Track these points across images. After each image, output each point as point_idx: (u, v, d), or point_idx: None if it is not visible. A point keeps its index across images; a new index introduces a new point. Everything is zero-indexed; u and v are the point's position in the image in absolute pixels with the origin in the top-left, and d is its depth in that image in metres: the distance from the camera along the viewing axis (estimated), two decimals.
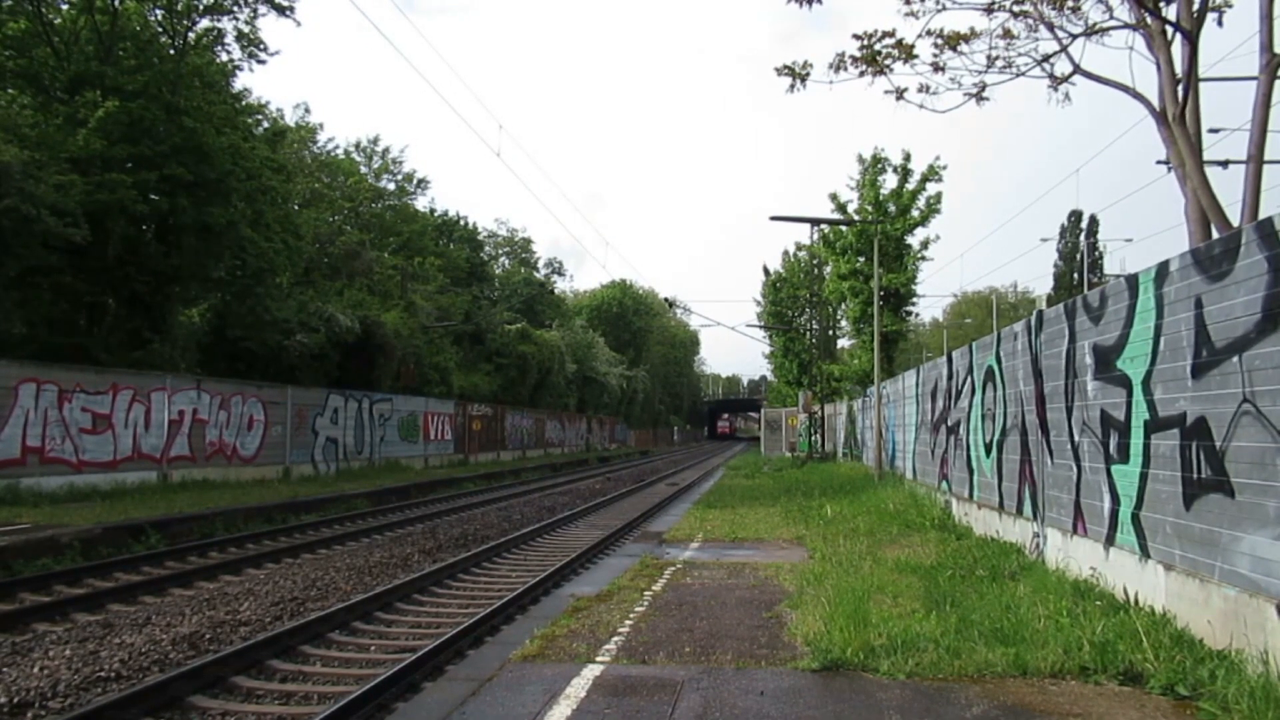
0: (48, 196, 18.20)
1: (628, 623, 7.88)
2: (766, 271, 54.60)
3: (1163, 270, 7.10)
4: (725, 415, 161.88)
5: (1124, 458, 7.75)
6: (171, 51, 23.64)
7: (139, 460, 20.84)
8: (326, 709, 6.59)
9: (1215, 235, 11.54)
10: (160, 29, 23.92)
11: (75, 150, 20.01)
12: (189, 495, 19.86)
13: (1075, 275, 71.31)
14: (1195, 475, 6.50)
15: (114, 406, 20.13)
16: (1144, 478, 7.36)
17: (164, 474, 21.54)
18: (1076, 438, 8.96)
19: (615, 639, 7.28)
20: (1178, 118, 12.54)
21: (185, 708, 7.07)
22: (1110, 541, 8.08)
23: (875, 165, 30.32)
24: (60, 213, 18.40)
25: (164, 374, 22.09)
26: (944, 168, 29.53)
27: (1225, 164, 21.58)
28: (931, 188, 29.69)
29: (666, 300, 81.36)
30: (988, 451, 12.62)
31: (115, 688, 7.42)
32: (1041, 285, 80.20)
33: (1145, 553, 7.34)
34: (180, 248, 22.34)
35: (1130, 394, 7.62)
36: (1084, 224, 75.00)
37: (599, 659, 6.67)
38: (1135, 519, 7.52)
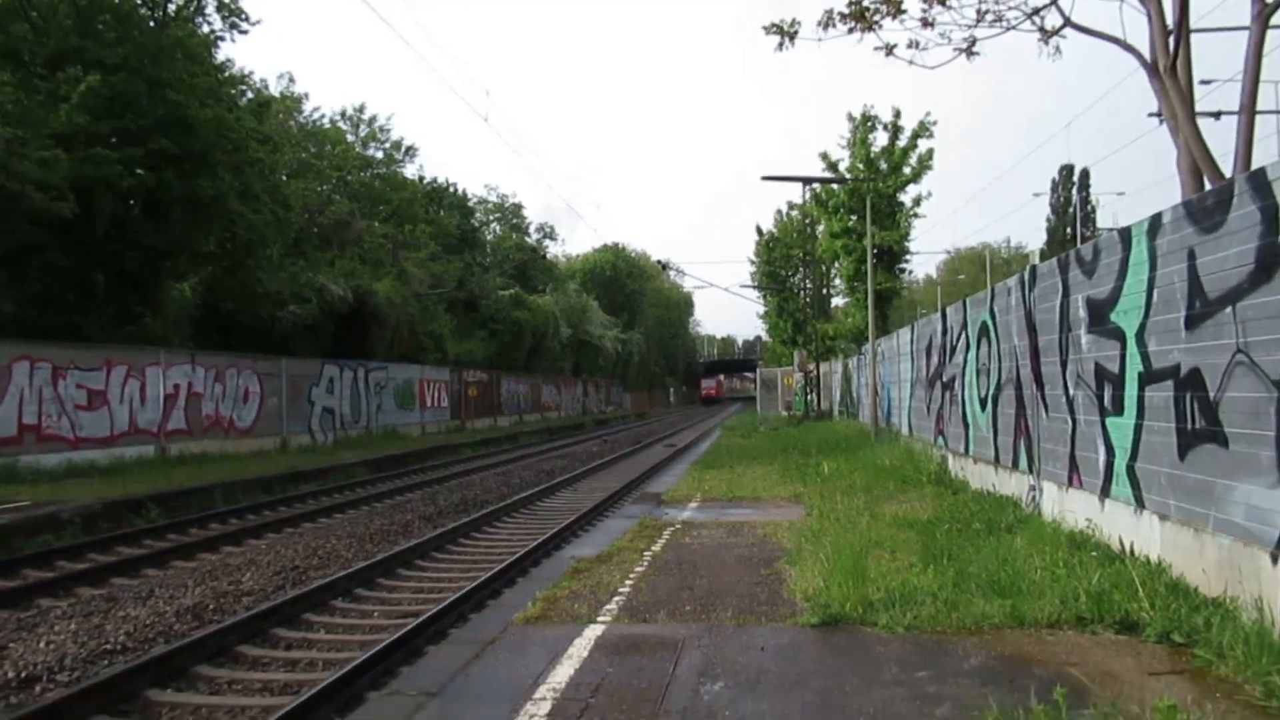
0: (32, 173, 18.02)
1: (628, 583, 7.95)
2: (759, 232, 54.31)
3: (1155, 223, 7.09)
4: (715, 376, 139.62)
5: (1118, 410, 7.79)
6: (151, 24, 23.28)
7: (136, 435, 20.85)
8: (332, 675, 6.66)
9: (1208, 187, 11.51)
10: (139, 1, 23.56)
11: (58, 126, 19.77)
12: (187, 469, 19.90)
13: (1068, 230, 71.20)
14: (1189, 426, 6.54)
15: (109, 382, 20.10)
16: (1138, 429, 7.40)
17: (161, 448, 21.56)
18: (1071, 391, 8.99)
19: (616, 599, 7.34)
20: (1169, 69, 12.45)
21: (192, 677, 7.14)
22: (1105, 493, 8.14)
23: (865, 123, 30.07)
24: (46, 188, 18.24)
25: (157, 349, 22.04)
26: (935, 124, 29.31)
27: (1217, 115, 21.44)
28: (923, 144, 29.47)
29: (660, 263, 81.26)
30: (983, 406, 12.67)
31: (122, 660, 7.49)
32: (1034, 240, 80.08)
33: (1140, 504, 7.40)
34: (169, 222, 22.16)
35: (1124, 347, 7.64)
36: (1076, 178, 74.79)
37: (600, 619, 6.73)
38: (1130, 470, 7.57)
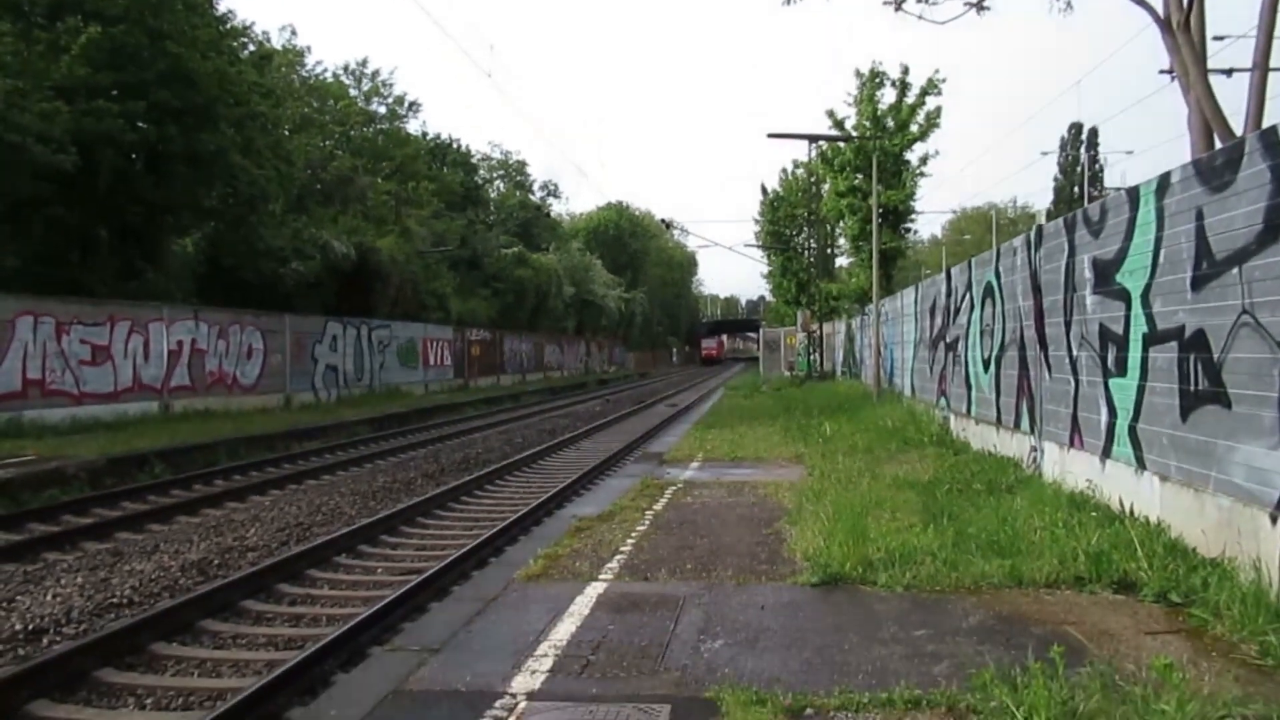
0: (34, 125, 17.90)
1: (629, 542, 7.99)
2: (764, 191, 54.10)
3: (1164, 182, 7.02)
4: (716, 336, 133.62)
5: (1122, 371, 7.78)
6: None
7: (140, 391, 20.90)
8: (336, 630, 6.72)
9: (1218, 145, 11.40)
10: None
11: (59, 78, 19.60)
12: (191, 425, 19.97)
13: (1075, 189, 70.74)
14: (1193, 387, 6.52)
15: (112, 338, 20.11)
16: (1141, 390, 7.39)
17: (165, 404, 21.62)
18: (1075, 352, 8.97)
19: (617, 558, 7.38)
20: (1182, 24, 12.29)
21: (197, 631, 7.20)
22: (1107, 454, 8.15)
23: (873, 80, 29.77)
24: (47, 140, 18.12)
25: (161, 304, 22.02)
26: (943, 81, 29.00)
27: (1229, 72, 21.22)
28: (931, 102, 29.20)
29: (664, 221, 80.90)
30: (986, 367, 12.65)
31: (128, 613, 7.56)
32: (1041, 200, 79.45)
33: (1141, 464, 7.41)
34: (171, 176, 22.05)
35: (1129, 307, 7.61)
36: (1084, 137, 74.15)
37: (602, 577, 6.77)
38: (1132, 431, 7.57)
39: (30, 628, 7.10)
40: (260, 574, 8.44)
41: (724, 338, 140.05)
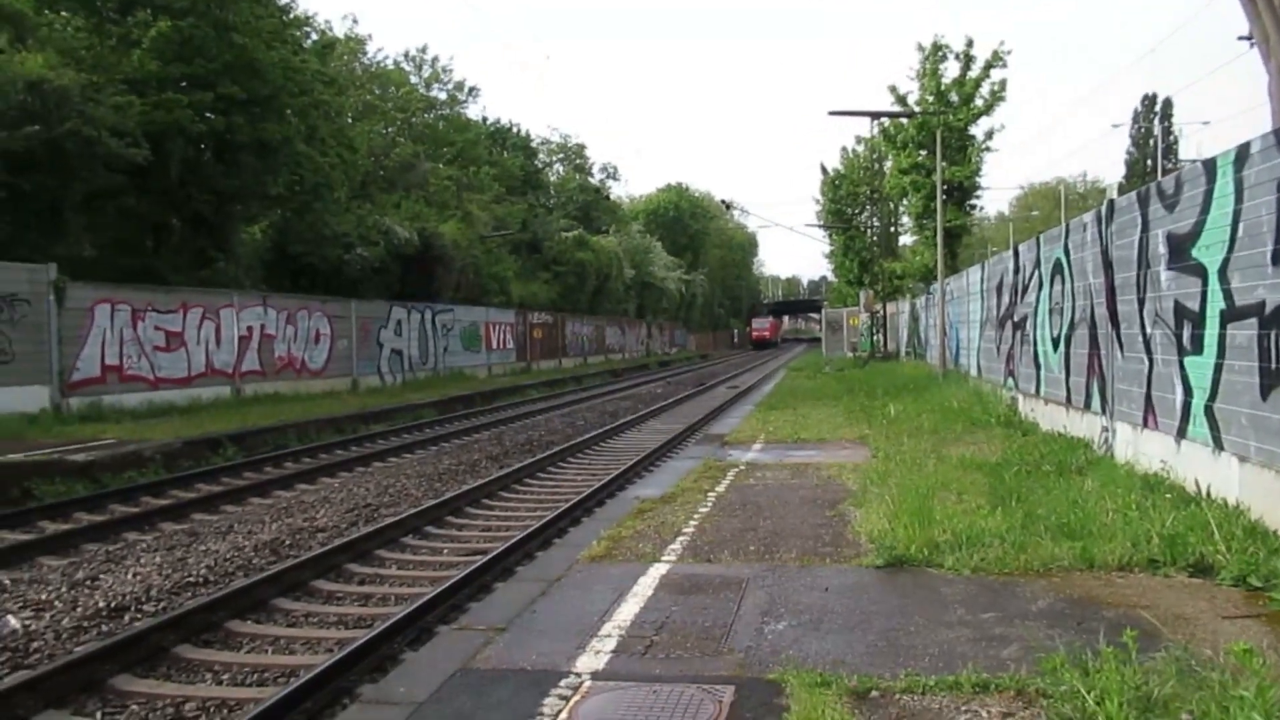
0: (107, 118, 18.40)
1: (692, 523, 7.99)
2: (824, 170, 53.29)
3: (1243, 153, 6.78)
4: (767, 316, 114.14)
5: (1198, 349, 7.55)
6: None
7: (212, 376, 21.44)
8: (404, 609, 6.85)
9: None
10: None
11: (130, 71, 20.12)
12: (261, 408, 20.43)
13: (1149, 162, 68.78)
14: (1273, 365, 6.31)
15: (185, 324, 20.64)
16: (1218, 369, 7.17)
17: (236, 389, 22.15)
18: (1148, 330, 8.73)
19: (680, 539, 7.39)
20: None
21: (270, 609, 7.39)
22: (1182, 434, 7.94)
23: (936, 54, 29.20)
24: (120, 133, 18.62)
25: (230, 291, 22.53)
26: (1008, 53, 28.36)
27: None
28: (995, 75, 28.57)
29: (724, 202, 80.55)
30: (1055, 346, 12.39)
31: (204, 592, 7.78)
32: (1112, 174, 77.52)
33: (1218, 445, 7.20)
34: (238, 166, 22.52)
35: (1205, 283, 7.37)
36: (1158, 108, 71.94)
37: (665, 559, 6.78)
38: (1208, 411, 7.36)
39: (113, 605, 7.35)
40: (330, 554, 8.63)
41: (774, 318, 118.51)
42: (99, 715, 5.57)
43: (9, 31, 19.05)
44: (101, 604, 7.36)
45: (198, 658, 6.36)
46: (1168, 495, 7.42)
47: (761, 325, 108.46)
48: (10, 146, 16.65)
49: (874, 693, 4.20)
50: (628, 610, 5.55)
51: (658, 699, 4.23)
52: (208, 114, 21.55)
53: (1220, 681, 3.80)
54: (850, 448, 12.89)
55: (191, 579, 8.15)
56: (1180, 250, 7.92)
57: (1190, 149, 63.04)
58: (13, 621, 6.90)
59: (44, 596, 7.60)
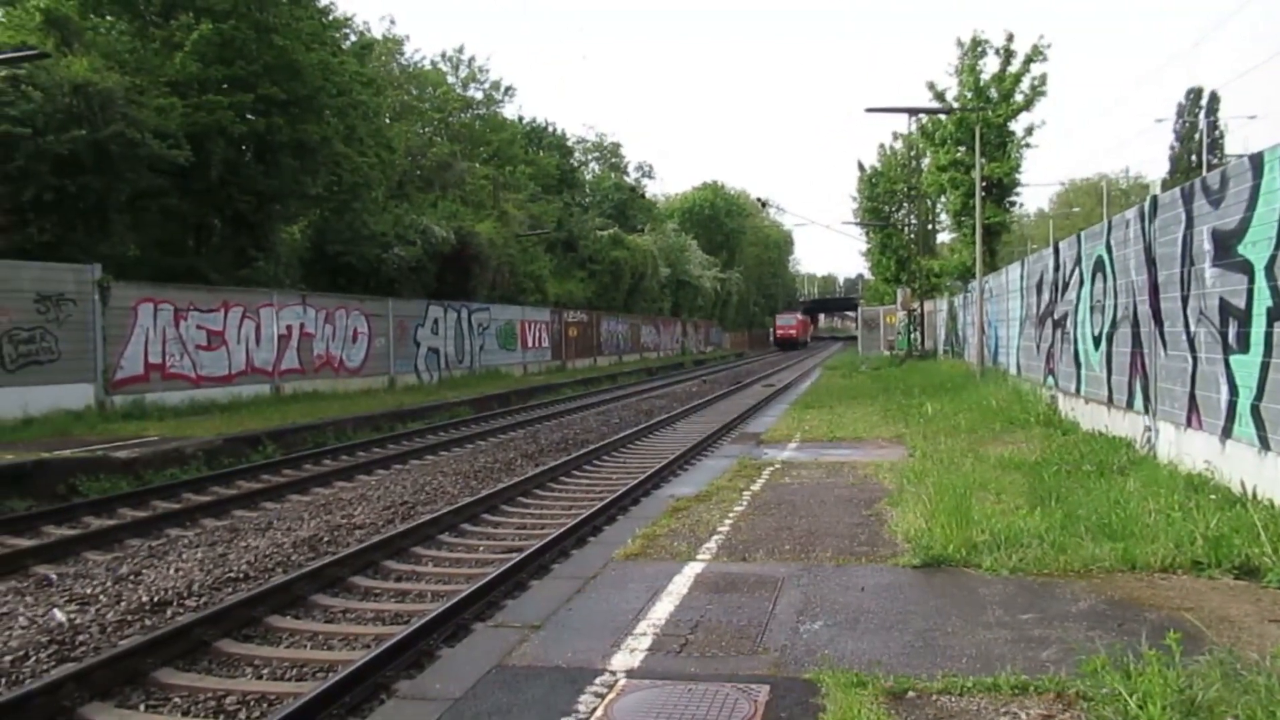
0: (150, 120, 18.70)
1: (727, 522, 7.97)
2: (861, 167, 52.91)
3: None
4: (793, 313, 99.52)
5: (1243, 347, 7.41)
6: None
7: (252, 374, 21.71)
8: (440, 606, 6.89)
9: None
10: None
11: (172, 74, 20.43)
12: (300, 406, 20.65)
13: (1193, 157, 67.52)
14: None
15: (226, 323, 20.92)
16: (1265, 367, 7.03)
17: (276, 387, 22.42)
18: (1192, 328, 8.59)
19: (715, 538, 7.37)
20: None
21: (309, 605, 7.47)
22: (1227, 434, 7.79)
23: (975, 49, 28.84)
24: (163, 135, 18.92)
25: (270, 290, 22.80)
26: (1049, 47, 27.93)
27: None
28: (1036, 69, 28.11)
29: (759, 200, 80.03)
30: (1096, 344, 12.22)
31: (244, 587, 7.88)
32: (1156, 169, 76.29)
33: (1265, 445, 7.06)
34: (278, 166, 22.79)
35: (1252, 280, 7.23)
36: (1203, 101, 70.62)
37: (700, 557, 6.77)
38: (1255, 410, 7.22)
39: (155, 599, 7.47)
40: (367, 551, 8.70)
41: (803, 315, 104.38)
42: (142, 708, 5.67)
43: (56, 36, 19.41)
44: (144, 598, 7.48)
45: (238, 652, 6.44)
46: (1212, 496, 7.29)
47: (787, 322, 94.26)
48: (57, 149, 16.97)
49: (911, 693, 4.17)
50: (663, 609, 5.55)
51: (693, 697, 4.22)
52: (248, 115, 21.82)
53: (1266, 686, 3.72)
54: (887, 447, 12.79)
55: (232, 574, 8.26)
56: (1226, 247, 7.78)
57: (1236, 143, 61.83)
58: (59, 615, 7.04)
59: (89, 591, 7.74)
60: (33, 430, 14.90)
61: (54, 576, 8.26)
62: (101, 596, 7.59)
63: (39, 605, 7.36)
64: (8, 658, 6.21)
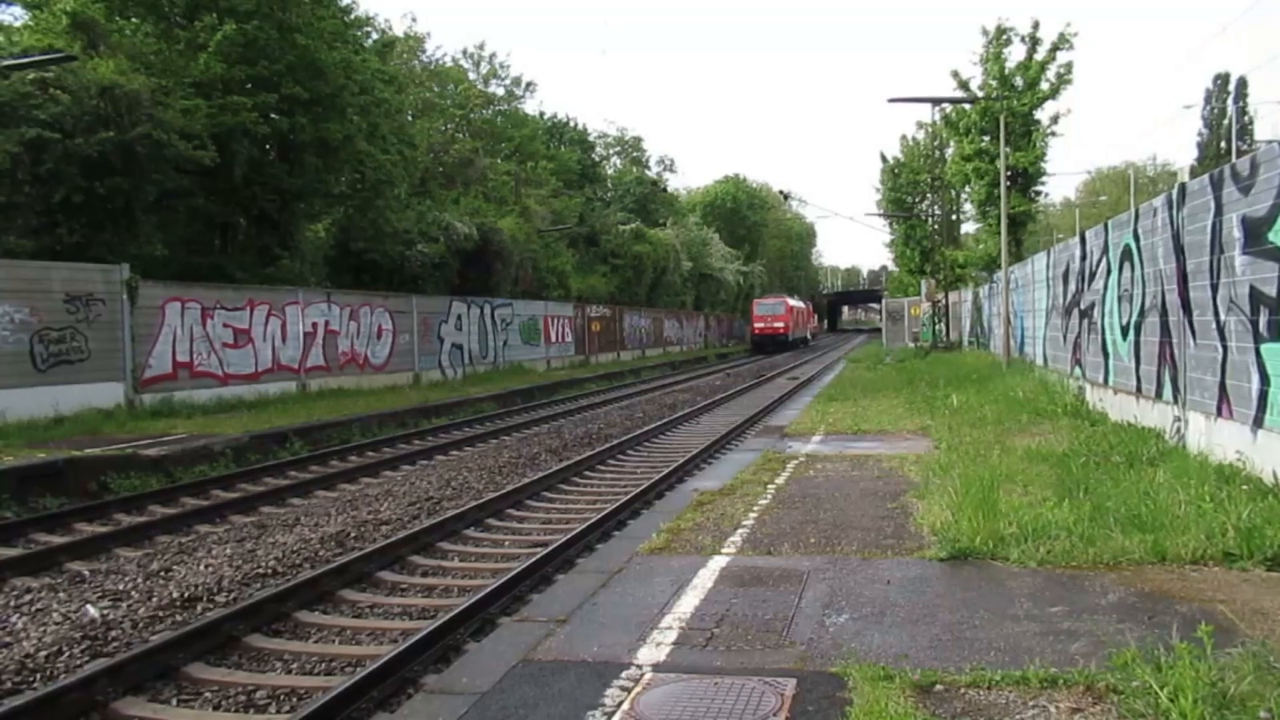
0: (175, 121, 18.85)
1: (751, 516, 7.96)
2: (884, 158, 52.53)
3: None
4: (777, 299, 66.51)
5: (1275, 336, 7.32)
6: None
7: (279, 372, 21.87)
8: (466, 600, 6.93)
9: None
10: None
11: (197, 75, 20.58)
12: (326, 403, 20.79)
13: (1222, 144, 66.66)
14: None
15: (252, 321, 21.08)
16: None
17: (302, 384, 22.58)
18: (1222, 316, 8.48)
19: (740, 531, 7.36)
20: None
21: (336, 600, 7.53)
22: (1259, 424, 7.70)
23: (1000, 37, 28.60)
24: (188, 136, 19.07)
25: (296, 288, 22.95)
26: (1075, 35, 27.65)
27: None
28: (1061, 57, 27.85)
29: (782, 193, 79.84)
30: (1124, 334, 12.09)
31: (273, 583, 7.95)
32: (1183, 157, 75.26)
33: None
34: (301, 165, 22.92)
35: None
36: (1232, 87, 69.68)
37: (724, 551, 6.76)
38: None
39: (185, 595, 7.55)
40: (394, 546, 8.76)
41: (798, 300, 75.51)
42: (174, 702, 5.73)
43: (82, 39, 19.60)
44: (175, 594, 7.56)
45: (268, 647, 6.50)
46: (1244, 487, 7.21)
47: (771, 311, 63.99)
48: (86, 151, 17.14)
49: (938, 686, 4.15)
50: (688, 602, 5.55)
51: (719, 691, 4.22)
52: (272, 115, 21.95)
53: None
54: (912, 439, 12.73)
55: (261, 570, 8.33)
56: (1256, 234, 7.68)
57: (1266, 130, 61.04)
58: (92, 611, 7.13)
59: (121, 587, 7.84)
60: (64, 429, 15.07)
61: (86, 573, 8.37)
62: (133, 592, 7.68)
63: (72, 601, 7.46)
64: (43, 653, 6.30)
